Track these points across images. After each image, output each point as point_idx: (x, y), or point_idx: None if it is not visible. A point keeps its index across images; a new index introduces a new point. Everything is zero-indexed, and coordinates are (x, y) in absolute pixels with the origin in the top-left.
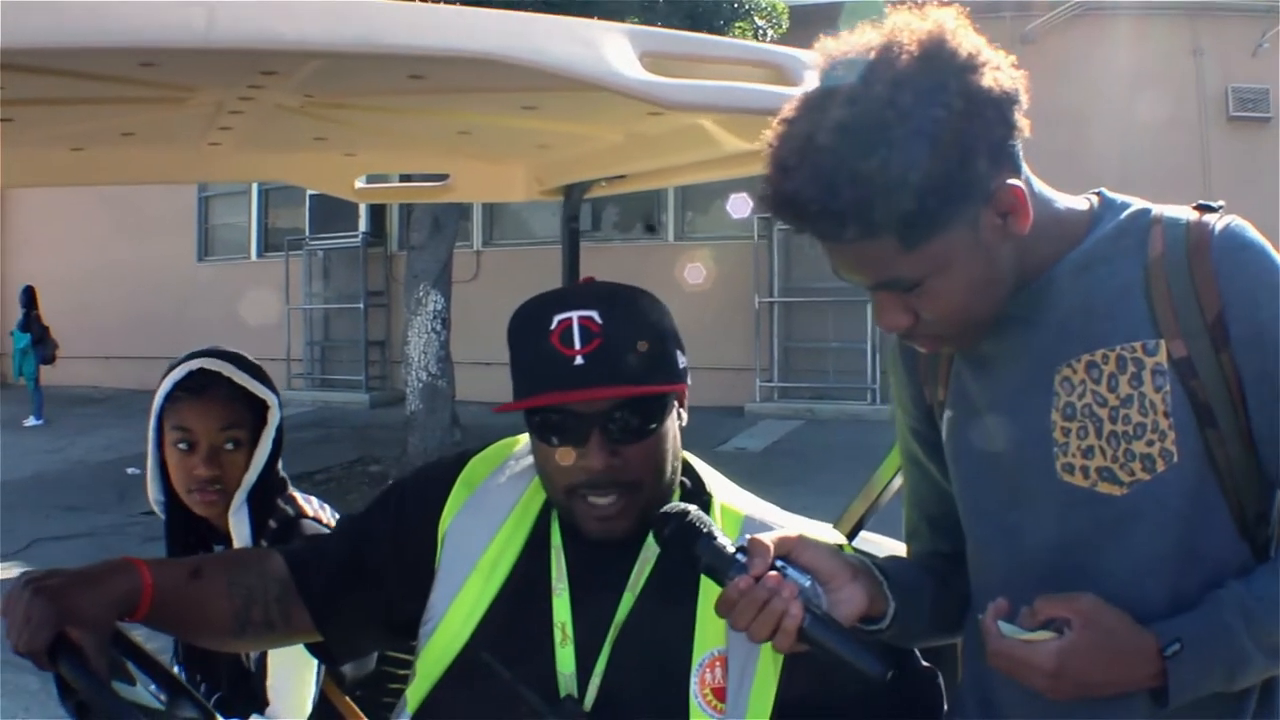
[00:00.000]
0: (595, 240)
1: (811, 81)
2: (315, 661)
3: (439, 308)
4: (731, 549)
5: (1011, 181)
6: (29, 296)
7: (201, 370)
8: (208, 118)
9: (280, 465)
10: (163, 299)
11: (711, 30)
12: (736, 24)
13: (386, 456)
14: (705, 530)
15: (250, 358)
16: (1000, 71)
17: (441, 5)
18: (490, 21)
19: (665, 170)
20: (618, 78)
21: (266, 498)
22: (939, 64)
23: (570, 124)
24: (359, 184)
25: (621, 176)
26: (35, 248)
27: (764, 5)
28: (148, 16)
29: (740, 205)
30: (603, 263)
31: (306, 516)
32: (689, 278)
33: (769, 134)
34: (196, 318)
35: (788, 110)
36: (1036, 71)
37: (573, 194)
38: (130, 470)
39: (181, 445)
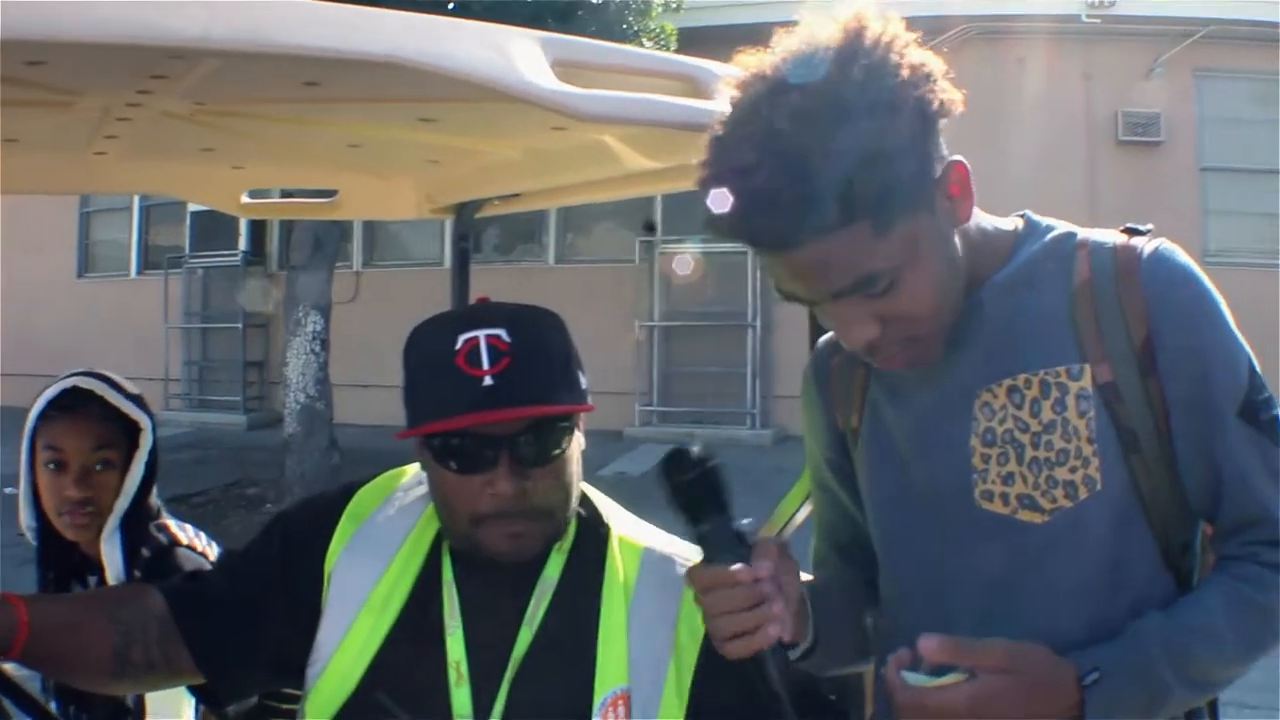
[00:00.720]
0: (476, 262)
1: (724, 96)
2: (193, 699)
3: (318, 329)
4: (739, 529)
5: (958, 158)
6: None
7: (75, 389)
8: (94, 125)
9: (155, 492)
10: (42, 315)
11: None
12: (626, 45)
13: (264, 479)
14: (726, 499)
15: (125, 381)
16: (920, 48)
17: (343, 5)
18: (393, 23)
19: (560, 189)
20: (528, 86)
21: (140, 525)
22: (871, 42)
23: (468, 138)
24: (245, 199)
25: (515, 195)
26: None
27: (653, 27)
28: (39, 10)
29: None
30: (483, 285)
31: (181, 545)
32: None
33: (703, 153)
34: (76, 335)
35: (721, 124)
36: None
37: (464, 213)
38: (8, 490)
39: (52, 465)
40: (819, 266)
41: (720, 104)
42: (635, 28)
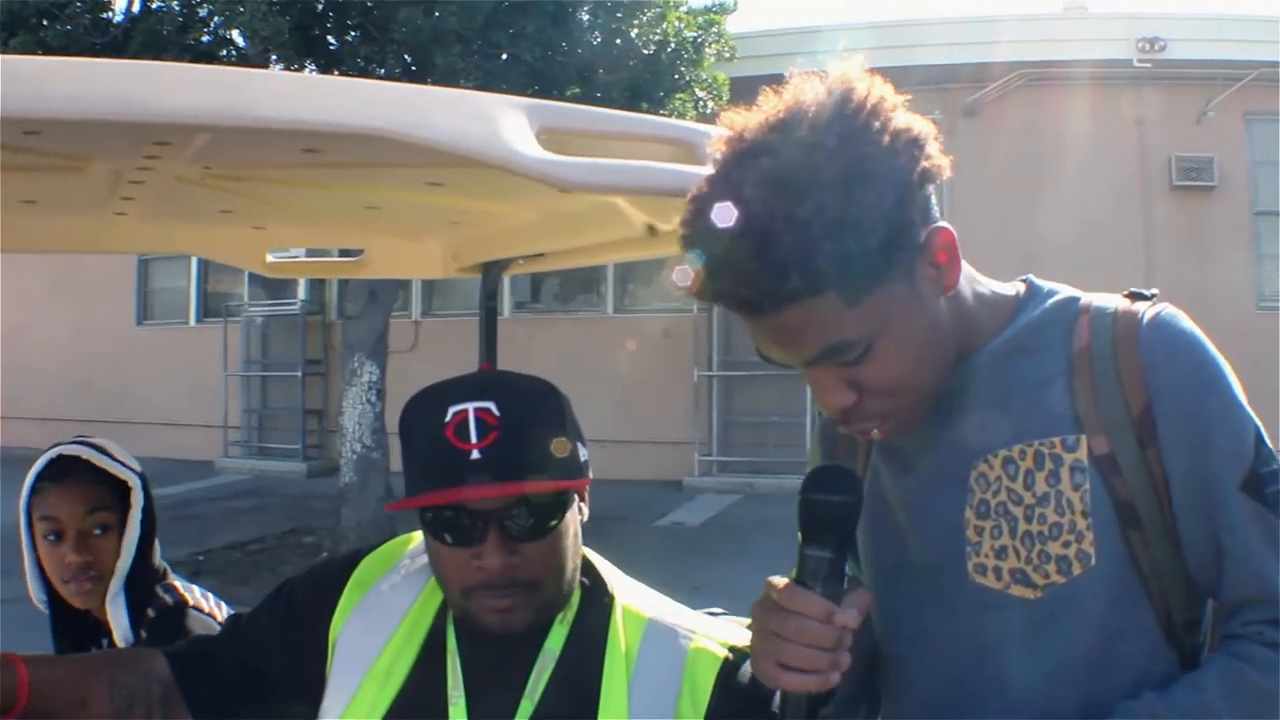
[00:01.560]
0: (534, 311)
1: (716, 142)
2: None
3: (374, 378)
4: (844, 572)
5: (943, 225)
6: None
7: (60, 457)
8: (108, 187)
9: (159, 552)
10: (102, 362)
11: (651, 103)
12: (677, 95)
13: (320, 527)
14: (849, 539)
15: (112, 445)
16: (909, 113)
17: (331, 78)
18: (379, 94)
19: (583, 249)
20: (512, 155)
21: (144, 585)
22: (854, 107)
23: (479, 201)
24: (270, 258)
25: (540, 255)
26: None
27: (705, 77)
28: (27, 86)
29: (684, 276)
30: (541, 335)
31: (188, 605)
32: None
33: (683, 214)
34: (135, 382)
35: (700, 186)
36: (980, 142)
37: (490, 271)
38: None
39: (50, 536)
40: (789, 334)
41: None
42: (688, 78)
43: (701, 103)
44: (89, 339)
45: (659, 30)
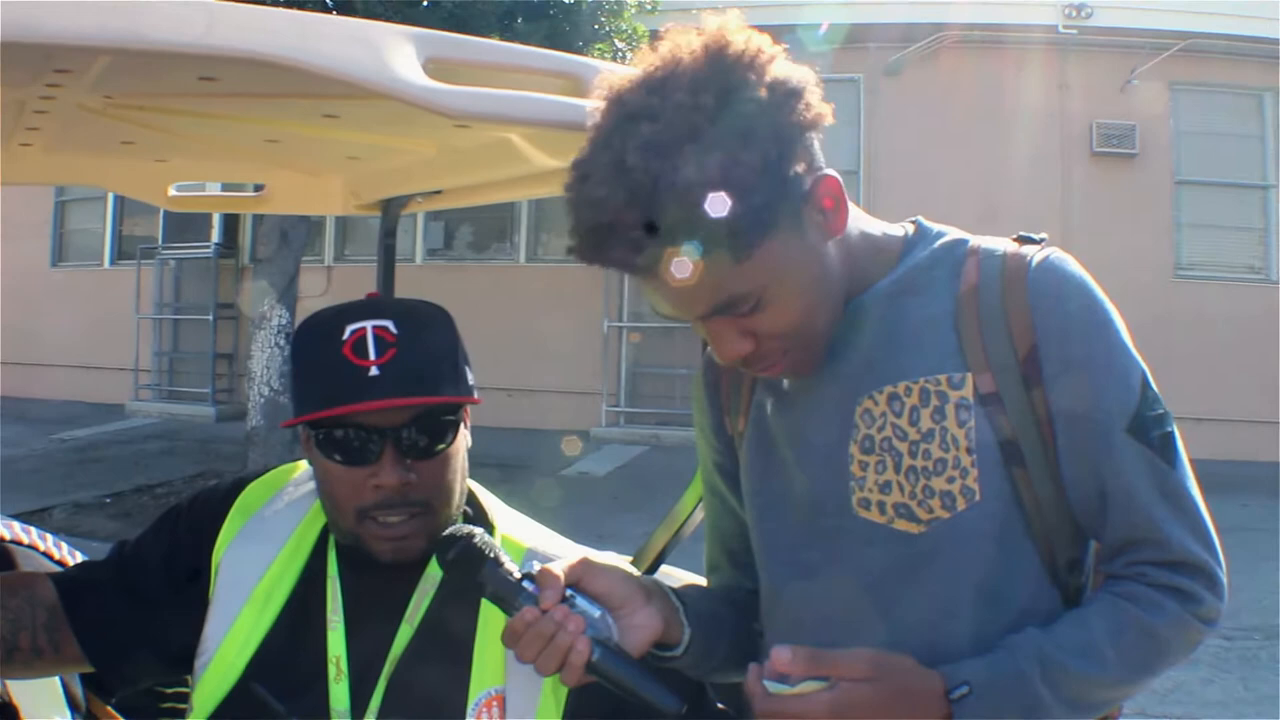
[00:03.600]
0: (446, 259)
1: (596, 104)
2: (60, 691)
3: (284, 322)
4: (518, 575)
5: (828, 172)
6: None
7: None
8: (13, 116)
9: None
10: (15, 303)
11: (570, 51)
12: (596, 45)
13: (228, 471)
14: (491, 555)
15: None
16: (786, 62)
17: (225, 3)
18: (270, 20)
19: (481, 186)
20: (398, 83)
21: None
22: (730, 62)
23: (376, 135)
24: (172, 191)
25: (438, 192)
26: None
27: (625, 28)
28: None
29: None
30: (452, 282)
31: (4, 540)
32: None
33: (567, 180)
34: (48, 324)
35: (583, 150)
36: (901, 102)
37: (389, 209)
38: None
39: None
40: (679, 293)
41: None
42: (608, 28)
43: (621, 54)
44: (4, 280)
45: None
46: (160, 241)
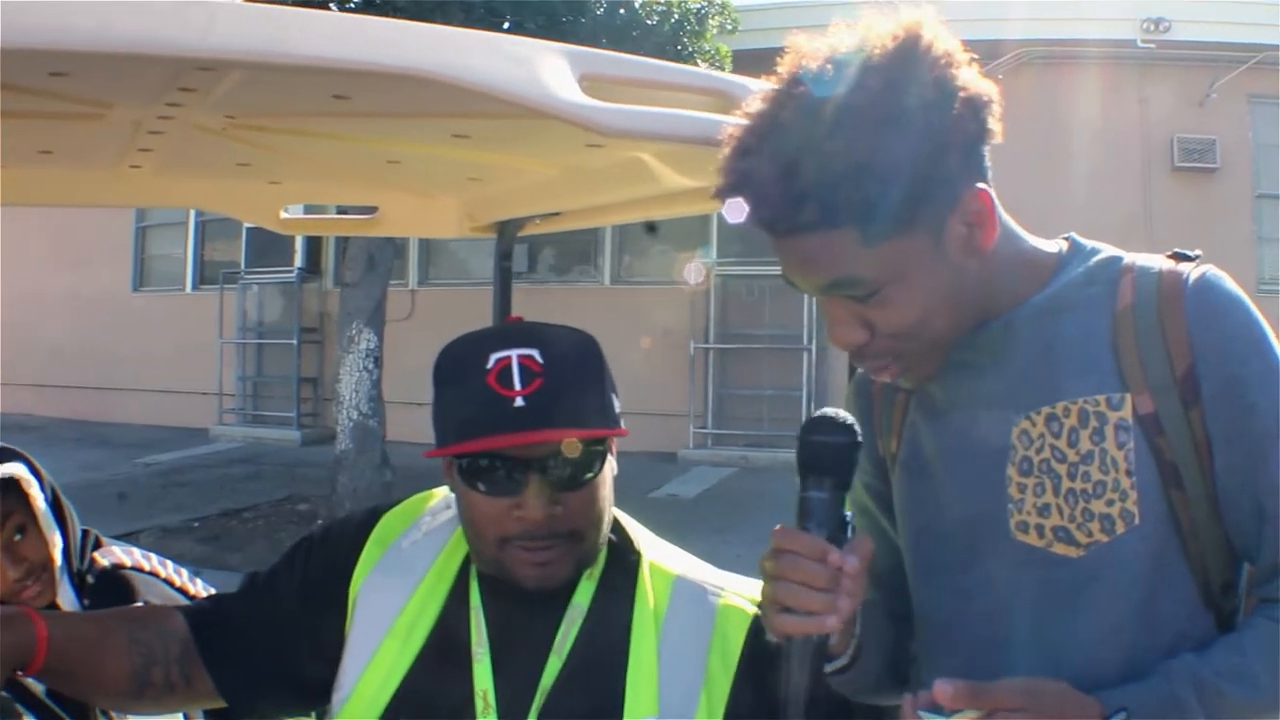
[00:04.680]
0: (531, 281)
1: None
2: None
3: (372, 346)
4: (846, 515)
5: (982, 186)
6: None
7: None
8: (126, 137)
9: (76, 522)
10: (98, 328)
11: None
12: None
13: (315, 495)
14: (849, 479)
15: None
16: (975, 73)
17: (367, 17)
18: (419, 35)
19: (602, 208)
20: (552, 100)
21: (81, 558)
22: (913, 56)
23: (503, 155)
24: (284, 214)
25: (556, 214)
26: None
27: (708, 49)
28: (58, 19)
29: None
30: (537, 304)
31: (125, 566)
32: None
33: (730, 126)
34: (131, 348)
35: (751, 102)
36: None
37: (506, 231)
38: None
39: None
40: (802, 259)
41: None
42: (690, 49)
43: None
44: (85, 305)
45: (662, 1)
46: (243, 266)
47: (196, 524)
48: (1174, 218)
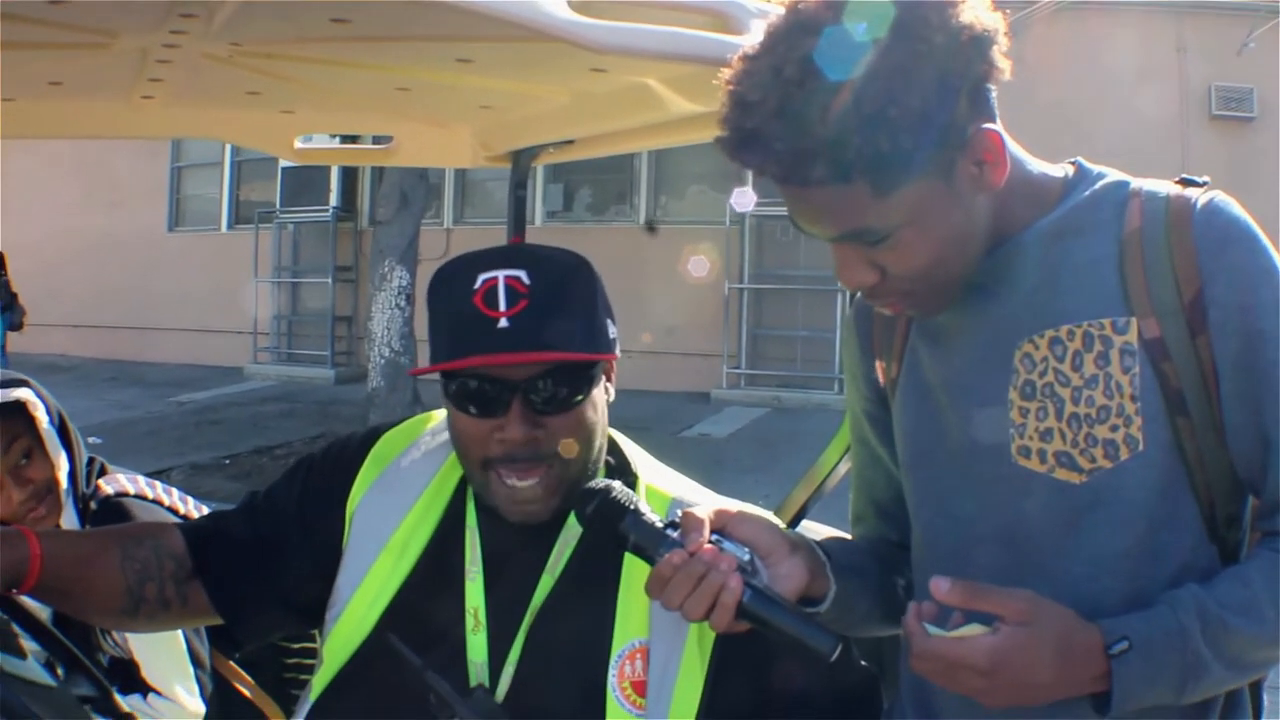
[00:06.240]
0: (567, 221)
1: (759, 29)
2: (184, 646)
3: (404, 284)
4: (661, 524)
5: (989, 126)
6: None
7: None
8: (135, 67)
9: (82, 447)
10: (132, 269)
11: None
12: None
13: (347, 432)
14: (631, 506)
15: None
16: (980, 9)
17: None
18: None
19: (614, 135)
20: (541, 16)
21: (87, 483)
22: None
23: (510, 81)
24: (299, 144)
25: (569, 142)
26: (4, 214)
27: None
28: None
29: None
30: (574, 243)
31: (129, 494)
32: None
33: (727, 71)
34: (165, 288)
35: (750, 47)
36: (1021, 65)
37: (520, 160)
38: (92, 439)
39: None
40: (814, 210)
41: (749, 39)
42: None
43: None
44: (121, 246)
45: None
46: (278, 205)
47: (228, 461)
48: (1210, 166)
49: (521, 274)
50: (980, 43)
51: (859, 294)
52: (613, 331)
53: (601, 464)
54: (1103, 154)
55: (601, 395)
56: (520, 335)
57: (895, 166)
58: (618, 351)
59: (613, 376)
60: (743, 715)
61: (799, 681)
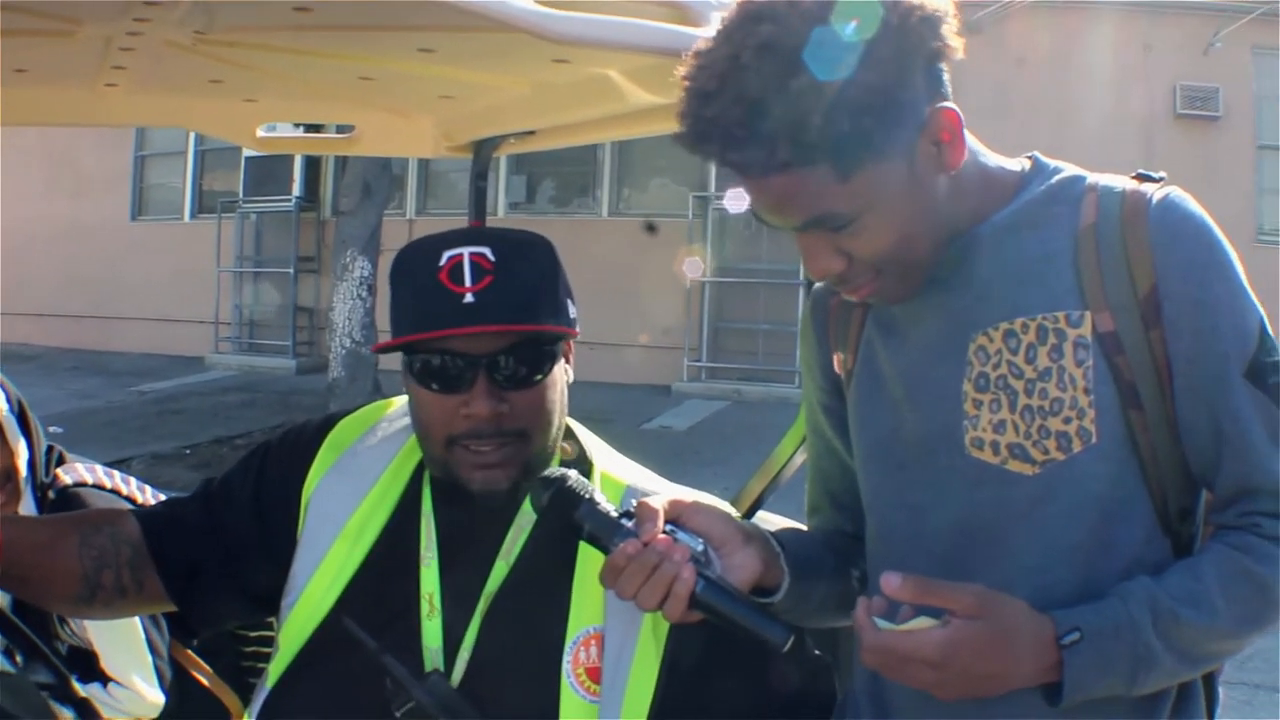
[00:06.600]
0: (530, 212)
1: (718, 21)
2: (142, 636)
3: (366, 274)
4: (615, 514)
5: (946, 105)
6: None
7: None
8: (99, 55)
9: (41, 436)
10: (96, 258)
11: None
12: None
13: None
14: (586, 495)
15: None
16: None
17: None
18: None
19: (575, 126)
20: (503, 7)
21: (45, 472)
22: None
23: (472, 72)
24: (261, 132)
25: (530, 132)
26: None
27: None
28: None
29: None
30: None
31: (87, 484)
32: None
33: (682, 67)
34: (128, 278)
35: (704, 41)
36: (983, 61)
37: (481, 150)
38: (52, 428)
39: None
40: (777, 200)
41: (709, 30)
42: None
43: None
44: (84, 235)
45: None
46: (241, 195)
47: (188, 451)
48: (1175, 165)
49: (486, 251)
50: (931, 21)
51: (819, 285)
52: (573, 311)
53: (559, 448)
54: (1062, 152)
55: (561, 374)
56: (487, 309)
57: (856, 147)
58: (578, 329)
59: (570, 358)
60: (695, 709)
61: (753, 672)
